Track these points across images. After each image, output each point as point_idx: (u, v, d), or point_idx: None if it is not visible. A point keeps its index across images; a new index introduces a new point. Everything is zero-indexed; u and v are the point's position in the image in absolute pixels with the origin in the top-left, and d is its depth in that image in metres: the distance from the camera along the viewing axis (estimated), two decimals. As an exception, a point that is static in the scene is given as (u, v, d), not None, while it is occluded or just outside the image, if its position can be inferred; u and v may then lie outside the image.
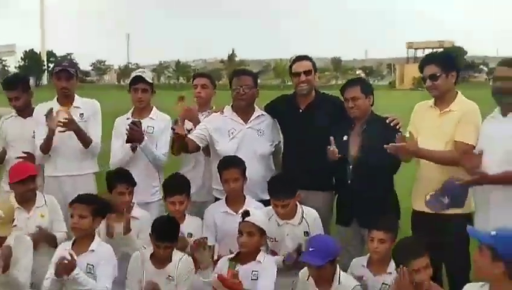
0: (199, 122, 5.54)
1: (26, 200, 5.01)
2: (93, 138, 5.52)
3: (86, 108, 5.61)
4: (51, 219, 5.04)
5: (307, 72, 5.30)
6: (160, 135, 5.52)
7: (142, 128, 5.28)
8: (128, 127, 5.22)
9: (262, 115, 5.48)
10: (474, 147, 4.46)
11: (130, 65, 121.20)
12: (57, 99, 5.63)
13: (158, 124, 5.55)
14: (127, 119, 5.54)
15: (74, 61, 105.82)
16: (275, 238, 4.81)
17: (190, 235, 4.96)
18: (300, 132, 5.29)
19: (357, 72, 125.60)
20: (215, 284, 4.26)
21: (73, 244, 4.53)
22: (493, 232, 3.42)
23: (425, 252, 4.08)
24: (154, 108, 5.68)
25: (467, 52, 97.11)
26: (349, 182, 4.95)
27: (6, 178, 5.46)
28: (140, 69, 6.00)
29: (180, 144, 5.30)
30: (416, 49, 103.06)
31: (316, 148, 4.99)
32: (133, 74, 5.69)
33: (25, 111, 5.75)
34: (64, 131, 5.29)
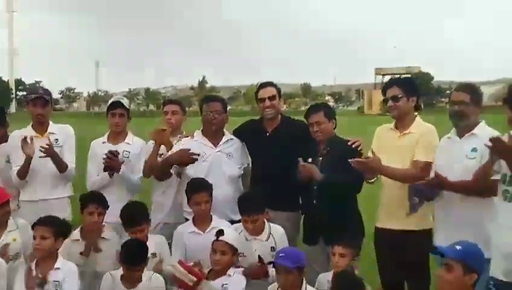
0: (171, 145, 5.71)
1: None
2: (68, 162, 5.64)
3: (60, 134, 5.73)
4: (23, 242, 5.08)
5: (271, 98, 5.53)
6: (137, 160, 5.72)
7: (119, 152, 5.51)
8: (105, 156, 5.45)
9: (231, 139, 5.67)
10: (431, 164, 4.71)
11: (99, 92, 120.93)
12: (32, 125, 5.74)
13: (134, 149, 5.75)
14: (103, 143, 5.76)
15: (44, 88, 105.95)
16: (243, 253, 4.95)
17: (154, 255, 5.07)
18: (267, 154, 5.49)
19: (326, 98, 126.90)
20: (175, 269, 4.42)
21: (36, 265, 4.63)
22: (458, 247, 3.65)
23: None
24: (130, 133, 5.87)
25: (433, 78, 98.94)
26: (314, 202, 5.14)
27: None
28: (118, 96, 6.17)
29: (164, 170, 5.59)
30: (384, 75, 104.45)
31: (282, 169, 5.20)
32: (112, 100, 5.87)
33: (1, 139, 5.84)
34: (44, 157, 5.40)
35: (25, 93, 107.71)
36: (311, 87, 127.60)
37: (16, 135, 5.70)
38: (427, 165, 4.73)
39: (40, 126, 5.71)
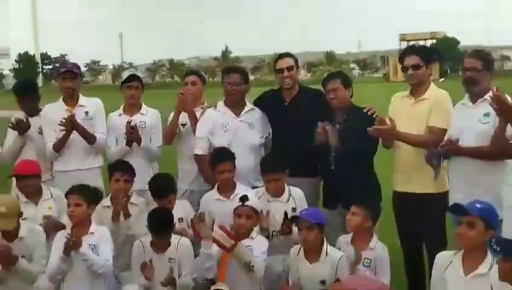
0: (194, 114, 5.98)
1: (32, 194, 5.40)
2: (99, 133, 5.92)
3: (90, 106, 5.99)
4: (58, 210, 5.41)
5: (289, 68, 5.72)
6: (153, 130, 6.06)
7: (135, 123, 5.83)
8: (126, 130, 5.77)
9: (252, 109, 5.88)
10: (445, 131, 4.88)
11: (124, 65, 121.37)
12: (63, 99, 5.99)
13: (149, 119, 6.08)
14: (119, 115, 6.09)
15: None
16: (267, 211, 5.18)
17: (181, 220, 5.41)
18: (286, 123, 5.70)
19: (351, 66, 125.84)
20: (215, 233, 4.68)
21: (71, 231, 4.89)
22: (478, 205, 3.85)
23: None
24: (144, 104, 6.17)
25: (459, 42, 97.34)
26: (332, 168, 5.34)
27: None
28: (132, 70, 6.44)
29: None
30: (408, 41, 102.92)
31: (301, 137, 5.39)
32: (126, 73, 6.16)
33: (33, 111, 6.10)
34: (67, 129, 5.67)
35: (50, 67, 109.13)
36: (335, 55, 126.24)
37: (48, 110, 5.98)
38: (442, 131, 4.90)
39: (71, 100, 5.95)
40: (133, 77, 6.11)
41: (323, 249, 4.74)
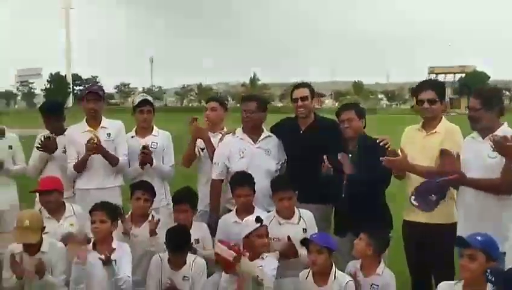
0: (210, 140, 6.20)
1: (55, 210, 5.60)
2: (121, 155, 6.15)
3: (112, 128, 6.21)
4: (79, 227, 5.60)
5: (304, 98, 5.95)
6: (165, 151, 6.33)
7: (148, 144, 6.12)
8: (140, 152, 6.06)
9: (269, 136, 6.09)
10: None
11: (153, 88, 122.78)
12: (86, 120, 6.25)
13: (161, 141, 6.33)
14: (132, 137, 6.35)
15: (99, 83, 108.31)
16: (278, 238, 5.32)
17: (197, 241, 5.58)
18: (300, 151, 5.89)
19: (380, 96, 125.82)
20: (216, 247, 4.85)
21: (94, 248, 5.15)
22: (479, 238, 3.99)
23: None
24: (155, 127, 6.44)
25: (489, 77, 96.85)
26: (343, 196, 5.49)
27: None
28: (143, 94, 6.67)
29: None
30: (438, 74, 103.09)
31: (314, 165, 5.53)
32: (139, 98, 6.40)
33: (58, 130, 6.33)
34: (93, 153, 5.94)
35: (81, 88, 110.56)
36: (363, 85, 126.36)
37: (71, 130, 6.23)
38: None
39: (94, 121, 6.20)
40: (144, 102, 6.32)
41: (332, 273, 4.88)
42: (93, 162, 6.06)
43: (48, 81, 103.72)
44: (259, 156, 5.97)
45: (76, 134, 6.14)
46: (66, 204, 5.71)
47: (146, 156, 6.07)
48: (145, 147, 6.07)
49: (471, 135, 5.02)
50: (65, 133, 6.26)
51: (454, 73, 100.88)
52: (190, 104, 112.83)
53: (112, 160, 6.08)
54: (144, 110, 6.30)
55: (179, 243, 5.15)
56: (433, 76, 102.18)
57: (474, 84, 72.23)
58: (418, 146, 5.29)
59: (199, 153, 6.41)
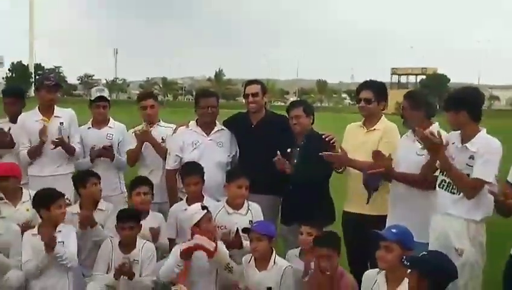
0: (156, 141, 6.48)
1: (11, 195, 5.76)
2: (75, 143, 6.39)
3: (65, 117, 6.38)
4: (35, 212, 5.65)
5: (254, 94, 6.26)
6: (121, 142, 6.63)
7: (104, 134, 6.49)
8: (101, 148, 6.40)
9: (222, 129, 6.40)
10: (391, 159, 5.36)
11: (117, 80, 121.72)
12: (39, 108, 6.42)
13: (116, 132, 6.63)
14: (88, 128, 6.63)
15: (61, 74, 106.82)
16: (225, 226, 5.63)
17: (152, 229, 5.83)
18: (251, 144, 6.21)
19: (343, 96, 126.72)
20: (198, 239, 5.09)
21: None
22: (394, 230, 4.36)
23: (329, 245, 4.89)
24: (111, 118, 6.73)
25: (449, 80, 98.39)
26: (290, 187, 5.84)
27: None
28: (99, 87, 6.93)
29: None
30: (400, 74, 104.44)
31: (265, 158, 5.83)
32: (95, 94, 6.62)
33: (16, 117, 6.49)
34: (55, 147, 6.18)
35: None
36: (327, 84, 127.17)
37: (24, 117, 6.39)
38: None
39: (48, 110, 6.38)
40: (99, 98, 6.59)
41: (272, 258, 5.21)
42: (47, 149, 6.25)
43: (9, 70, 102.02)
44: (211, 148, 6.24)
45: (29, 122, 6.31)
46: (23, 189, 5.88)
47: (107, 152, 6.40)
48: (105, 147, 6.40)
49: (406, 133, 5.42)
50: (18, 120, 6.39)
51: (416, 74, 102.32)
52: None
53: (70, 150, 6.30)
54: (100, 106, 6.59)
55: (128, 214, 5.53)
56: (395, 77, 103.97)
57: (434, 85, 73.50)
58: (358, 142, 5.66)
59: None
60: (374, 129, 5.63)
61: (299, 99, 7.23)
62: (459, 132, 4.77)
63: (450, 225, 4.68)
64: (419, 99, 5.32)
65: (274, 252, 5.28)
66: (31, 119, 6.35)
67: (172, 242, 5.84)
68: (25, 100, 6.72)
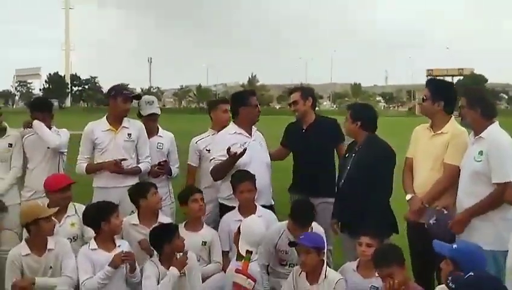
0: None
1: (60, 208, 5.42)
2: (145, 155, 6.19)
3: (133, 128, 6.16)
4: (81, 226, 5.49)
5: (294, 103, 6.31)
6: (170, 152, 6.51)
7: (155, 144, 6.32)
8: (157, 167, 6.23)
9: (256, 130, 6.22)
10: (458, 168, 5.00)
11: (152, 89, 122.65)
12: (107, 118, 6.20)
13: (166, 142, 6.49)
14: None
15: (97, 84, 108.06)
16: (286, 251, 5.39)
17: (204, 243, 5.63)
18: (303, 147, 6.24)
19: (377, 98, 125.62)
20: (235, 277, 4.87)
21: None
22: (454, 246, 4.00)
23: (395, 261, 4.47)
24: (160, 128, 6.53)
25: (487, 80, 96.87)
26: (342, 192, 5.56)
27: (30, 187, 6.20)
28: (148, 99, 6.53)
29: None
30: (436, 76, 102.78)
31: (317, 159, 6.04)
32: (145, 106, 6.40)
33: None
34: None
35: (80, 88, 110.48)
36: (361, 87, 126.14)
37: (92, 126, 6.17)
38: (456, 169, 5.02)
39: (118, 120, 6.15)
40: (151, 114, 6.39)
41: (323, 271, 4.86)
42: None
43: (46, 81, 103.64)
44: (256, 149, 6.01)
45: (97, 131, 6.11)
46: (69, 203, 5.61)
47: (163, 169, 6.25)
48: (160, 163, 6.23)
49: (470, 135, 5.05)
50: (84, 129, 6.21)
51: (453, 75, 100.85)
52: (188, 106, 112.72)
53: (136, 173, 6.10)
54: (151, 119, 6.40)
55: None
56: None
57: (472, 86, 72.24)
58: (424, 145, 5.31)
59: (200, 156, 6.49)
60: (441, 133, 5.22)
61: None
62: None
63: None
64: (475, 97, 4.95)
65: (325, 264, 4.93)
66: (98, 128, 6.12)
67: (226, 255, 5.66)
68: (52, 112, 6.42)
